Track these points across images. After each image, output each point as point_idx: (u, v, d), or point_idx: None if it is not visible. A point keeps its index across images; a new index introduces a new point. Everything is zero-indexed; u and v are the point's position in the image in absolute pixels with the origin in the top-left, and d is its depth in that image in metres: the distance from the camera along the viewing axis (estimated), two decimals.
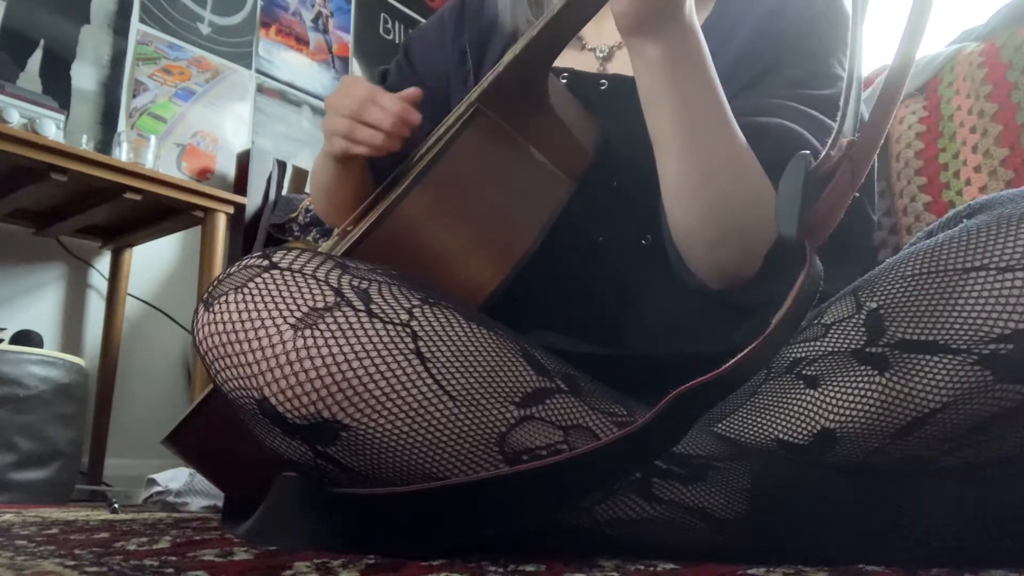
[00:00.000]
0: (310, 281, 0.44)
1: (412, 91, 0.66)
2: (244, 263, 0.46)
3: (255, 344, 0.42)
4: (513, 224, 0.55)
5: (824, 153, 0.43)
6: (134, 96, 2.11)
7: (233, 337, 0.43)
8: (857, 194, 0.43)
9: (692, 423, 0.41)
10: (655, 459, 0.44)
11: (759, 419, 0.47)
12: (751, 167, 0.55)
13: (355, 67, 2.80)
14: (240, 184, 2.23)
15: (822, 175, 0.43)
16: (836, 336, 0.46)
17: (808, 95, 0.63)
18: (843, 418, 0.43)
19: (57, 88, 1.92)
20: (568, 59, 0.73)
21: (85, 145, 1.73)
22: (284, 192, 2.20)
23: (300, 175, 2.28)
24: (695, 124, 0.53)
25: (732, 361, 0.38)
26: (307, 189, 2.28)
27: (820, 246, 0.43)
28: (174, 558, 0.42)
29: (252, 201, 2.13)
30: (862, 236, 0.68)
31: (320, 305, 0.43)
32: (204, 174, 2.24)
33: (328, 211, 0.82)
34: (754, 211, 0.54)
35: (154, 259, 2.10)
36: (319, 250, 0.51)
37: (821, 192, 0.42)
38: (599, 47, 0.74)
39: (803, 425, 0.45)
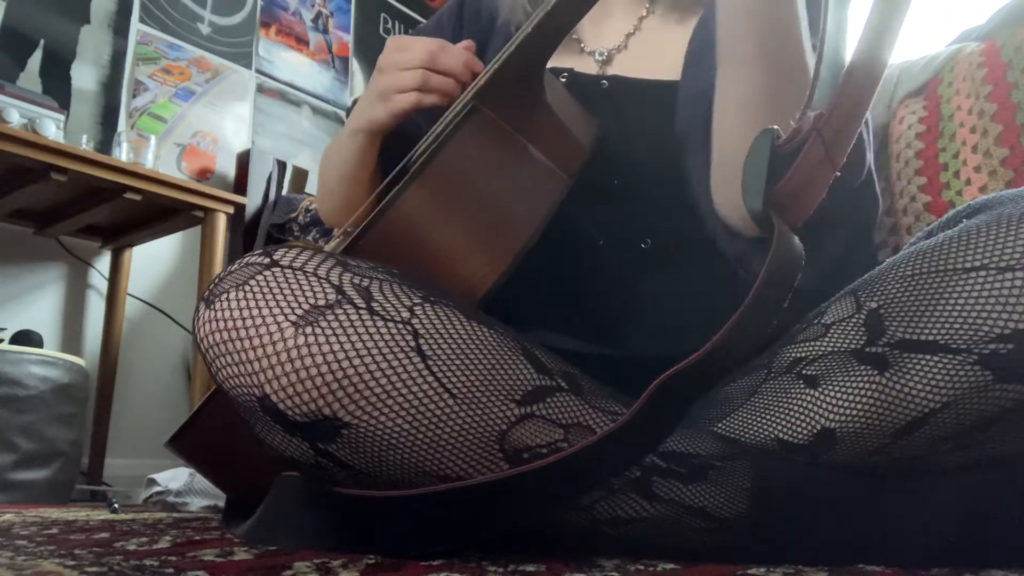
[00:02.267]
0: (311, 279, 0.44)
1: (468, 42, 0.66)
2: (245, 261, 0.46)
3: (256, 341, 0.42)
4: (510, 220, 0.55)
5: (792, 127, 0.43)
6: (134, 96, 2.11)
7: (234, 335, 0.43)
8: (839, 173, 0.43)
9: (682, 413, 0.41)
10: (649, 452, 0.44)
11: (759, 419, 0.47)
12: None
13: (355, 67, 2.81)
14: (240, 184, 2.23)
15: (790, 149, 0.42)
16: (836, 336, 0.46)
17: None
18: (843, 418, 0.43)
19: (57, 88, 1.92)
20: (568, 61, 0.73)
21: (85, 145, 1.73)
22: (284, 192, 2.20)
23: (300, 175, 2.28)
24: (774, 33, 0.51)
25: (710, 342, 0.38)
26: (307, 189, 2.28)
27: (797, 224, 0.42)
28: (174, 558, 0.42)
29: (252, 201, 2.13)
30: (870, 221, 0.67)
31: (321, 303, 0.43)
32: (204, 174, 2.24)
33: (335, 205, 0.80)
34: None
35: (154, 259, 2.10)
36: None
37: (788, 166, 0.42)
38: (598, 50, 0.74)
39: (803, 425, 0.45)
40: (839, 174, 0.43)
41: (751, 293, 0.39)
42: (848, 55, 0.43)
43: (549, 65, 0.61)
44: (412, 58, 0.64)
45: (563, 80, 0.70)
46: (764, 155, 0.42)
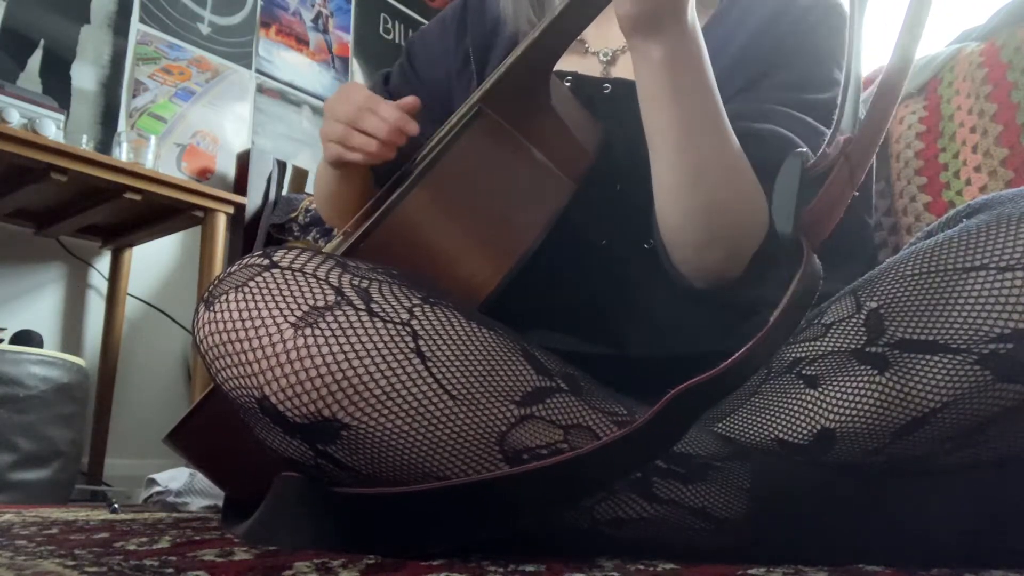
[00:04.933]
0: (310, 280, 0.44)
1: (410, 100, 0.66)
2: (245, 262, 0.46)
3: (255, 343, 0.42)
4: (513, 224, 0.55)
5: (821, 151, 0.43)
6: (134, 96, 2.11)
7: (233, 336, 0.43)
8: (856, 192, 0.44)
9: (691, 423, 0.41)
10: (655, 459, 0.44)
11: (759, 419, 0.47)
12: (743, 171, 0.55)
13: (355, 67, 2.81)
14: (240, 184, 2.23)
15: (818, 173, 0.43)
16: (836, 336, 0.46)
17: (803, 100, 0.63)
18: (843, 418, 0.43)
19: (57, 88, 1.92)
20: (571, 63, 0.73)
21: (85, 145, 1.73)
22: (284, 192, 2.20)
23: (300, 175, 2.28)
24: (691, 126, 0.53)
25: (729, 360, 0.39)
26: (307, 189, 2.28)
27: (819, 246, 0.43)
28: (174, 558, 0.42)
29: (252, 201, 2.13)
30: (859, 234, 0.68)
31: (320, 304, 0.43)
32: (204, 174, 2.24)
33: (330, 216, 0.83)
34: (743, 215, 0.55)
35: (154, 259, 2.10)
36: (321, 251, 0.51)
37: (817, 190, 0.42)
38: (602, 51, 0.74)
39: (803, 425, 0.45)
40: (857, 193, 0.43)
41: (775, 314, 0.40)
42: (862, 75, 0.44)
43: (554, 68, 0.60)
44: (342, 111, 0.65)
45: (567, 84, 0.70)
46: (794, 179, 0.42)
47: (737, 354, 0.39)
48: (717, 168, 0.54)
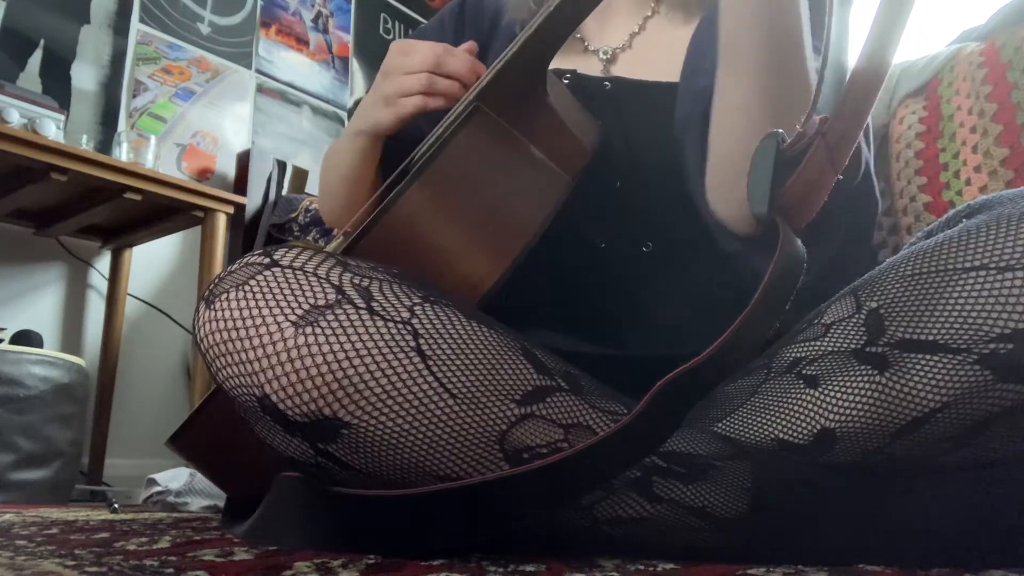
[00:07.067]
0: (311, 279, 0.44)
1: (470, 44, 0.67)
2: (245, 261, 0.46)
3: (256, 341, 0.42)
4: (511, 220, 0.55)
5: (797, 132, 0.43)
6: (134, 96, 2.11)
7: (234, 335, 0.43)
8: (840, 176, 0.43)
9: (684, 414, 0.41)
10: (651, 453, 0.44)
11: (759, 419, 0.47)
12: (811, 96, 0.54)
13: (355, 67, 2.81)
14: (240, 184, 2.23)
15: (794, 153, 0.43)
16: (836, 336, 0.46)
17: None
18: (843, 418, 0.43)
19: (57, 88, 1.92)
20: (571, 61, 0.73)
21: (85, 145, 1.73)
22: (284, 192, 2.20)
23: (300, 175, 2.28)
24: (780, 41, 0.52)
25: (712, 346, 0.38)
26: (307, 189, 2.28)
27: (800, 227, 0.42)
28: (174, 558, 0.42)
29: (252, 201, 2.13)
30: (869, 221, 0.67)
31: (321, 303, 0.43)
32: (204, 174, 2.24)
33: (336, 206, 0.80)
34: None
35: (154, 259, 2.10)
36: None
37: (793, 170, 0.42)
38: (602, 49, 0.74)
39: (803, 425, 0.45)
40: (840, 177, 0.43)
41: (755, 297, 0.39)
42: (850, 58, 0.44)
43: (553, 66, 0.60)
44: (417, 62, 0.64)
45: (566, 81, 0.70)
46: (769, 159, 0.42)
47: (720, 339, 0.39)
48: (794, 89, 0.52)
